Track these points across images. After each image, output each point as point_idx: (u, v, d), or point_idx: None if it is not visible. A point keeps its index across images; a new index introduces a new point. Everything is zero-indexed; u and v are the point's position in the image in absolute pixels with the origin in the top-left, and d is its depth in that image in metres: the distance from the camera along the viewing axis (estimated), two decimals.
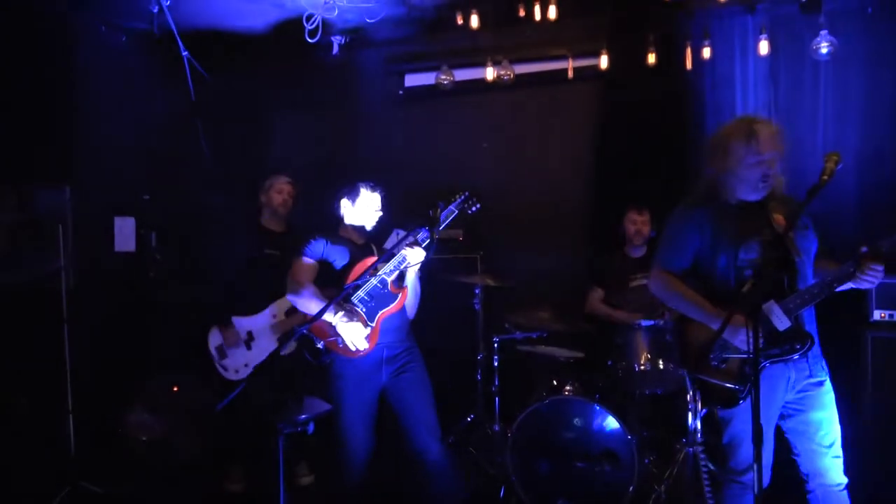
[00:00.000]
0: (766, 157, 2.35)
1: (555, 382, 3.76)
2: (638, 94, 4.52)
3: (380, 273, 3.03)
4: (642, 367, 3.70)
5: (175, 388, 4.34)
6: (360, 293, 3.05)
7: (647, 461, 3.56)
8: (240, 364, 3.83)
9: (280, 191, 3.98)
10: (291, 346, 3.35)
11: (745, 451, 2.40)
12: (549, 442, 3.53)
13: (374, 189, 3.22)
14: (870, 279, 2.26)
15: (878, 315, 3.33)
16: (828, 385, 2.47)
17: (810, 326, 2.44)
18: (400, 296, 3.08)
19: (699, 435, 3.53)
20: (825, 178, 2.20)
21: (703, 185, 2.53)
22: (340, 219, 3.24)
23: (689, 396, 3.53)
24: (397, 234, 3.44)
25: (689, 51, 4.27)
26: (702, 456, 3.40)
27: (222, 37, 4.76)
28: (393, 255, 2.97)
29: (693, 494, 3.43)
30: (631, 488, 3.34)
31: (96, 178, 4.40)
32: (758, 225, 2.44)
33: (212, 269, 4.03)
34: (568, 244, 4.73)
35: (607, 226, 4.45)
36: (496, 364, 4.10)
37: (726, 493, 2.48)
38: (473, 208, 3.21)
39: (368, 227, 3.24)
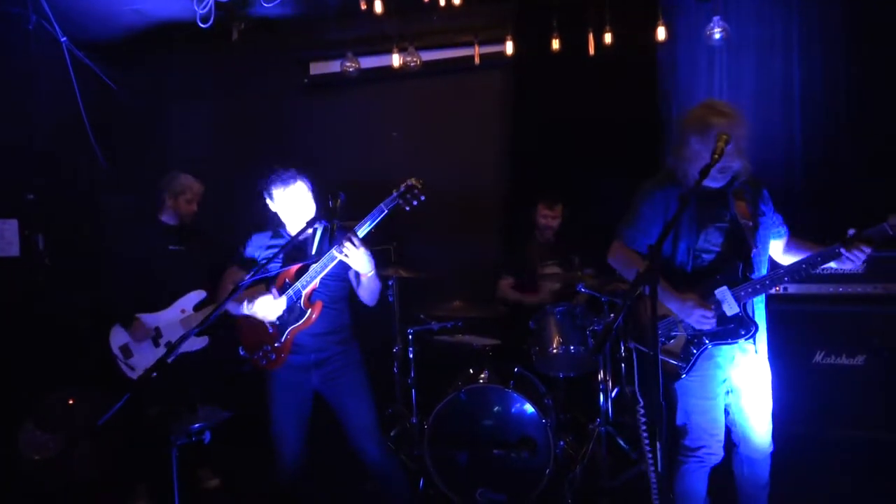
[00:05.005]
0: (719, 149, 2.31)
1: (471, 371, 3.73)
2: (544, 80, 4.55)
3: (295, 284, 2.79)
4: (556, 351, 3.73)
5: (71, 402, 4.03)
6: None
7: (562, 444, 3.59)
8: (150, 362, 3.56)
9: (191, 200, 3.74)
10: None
11: (696, 431, 2.54)
12: (466, 432, 3.49)
13: (293, 179, 2.84)
14: (853, 258, 2.34)
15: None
16: (766, 363, 2.57)
17: (758, 313, 2.52)
18: (310, 311, 2.80)
19: (611, 415, 3.60)
20: (716, 156, 2.27)
21: (669, 169, 2.54)
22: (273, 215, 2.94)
23: (600, 377, 3.60)
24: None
25: (591, 37, 4.31)
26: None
27: (108, 21, 4.44)
28: (310, 265, 2.73)
29: (606, 473, 3.50)
30: (548, 471, 3.35)
31: None
32: (718, 212, 2.51)
33: (110, 269, 3.73)
34: (480, 232, 4.72)
35: (519, 212, 4.46)
36: (412, 356, 4.04)
37: (685, 469, 2.56)
38: (415, 202, 2.69)
39: (291, 228, 2.89)
